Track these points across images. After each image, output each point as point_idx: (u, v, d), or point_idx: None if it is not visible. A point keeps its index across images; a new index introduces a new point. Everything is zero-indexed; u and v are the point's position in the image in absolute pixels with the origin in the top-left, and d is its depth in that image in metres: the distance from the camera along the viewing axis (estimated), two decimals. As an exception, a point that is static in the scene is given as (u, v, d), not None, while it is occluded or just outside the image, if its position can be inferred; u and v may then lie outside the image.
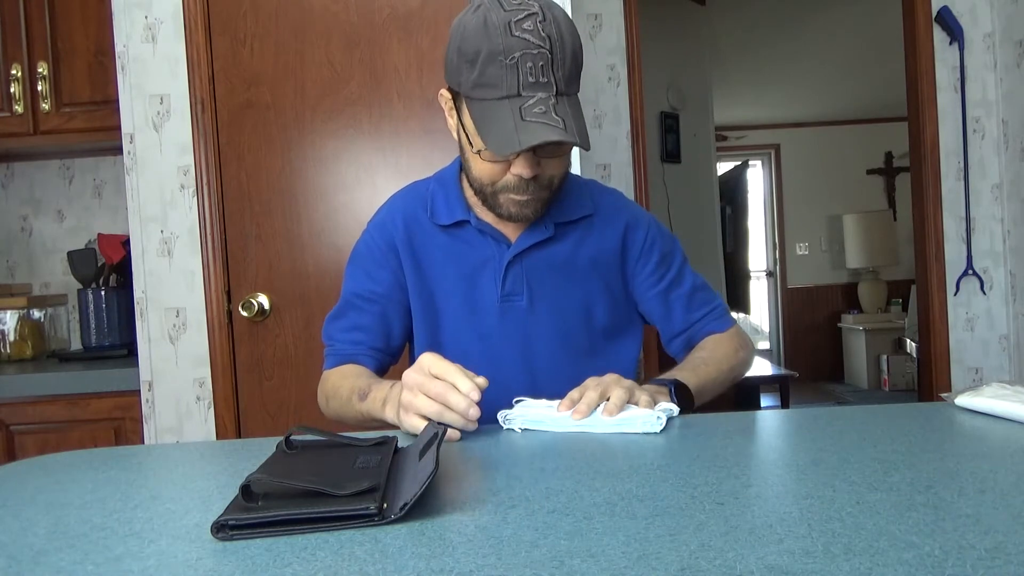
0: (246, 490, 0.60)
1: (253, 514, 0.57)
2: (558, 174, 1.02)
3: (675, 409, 0.92)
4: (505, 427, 0.90)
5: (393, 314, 1.13)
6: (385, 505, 0.58)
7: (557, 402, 0.92)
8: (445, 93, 1.04)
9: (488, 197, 1.03)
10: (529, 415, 0.90)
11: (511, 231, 1.10)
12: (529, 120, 0.90)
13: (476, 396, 0.82)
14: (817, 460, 0.69)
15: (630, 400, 0.89)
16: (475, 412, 0.82)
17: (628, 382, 0.92)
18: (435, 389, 0.83)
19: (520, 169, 0.97)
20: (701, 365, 1.09)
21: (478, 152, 0.99)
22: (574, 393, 0.91)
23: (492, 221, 1.10)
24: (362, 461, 0.69)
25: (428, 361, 0.85)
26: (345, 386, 1.04)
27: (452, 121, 1.05)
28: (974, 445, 0.74)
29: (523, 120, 0.90)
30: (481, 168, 1.01)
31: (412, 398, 0.85)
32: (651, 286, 1.16)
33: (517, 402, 0.94)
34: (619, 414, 0.87)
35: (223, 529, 0.56)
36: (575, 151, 1.87)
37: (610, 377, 0.93)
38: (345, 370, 1.10)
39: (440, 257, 1.11)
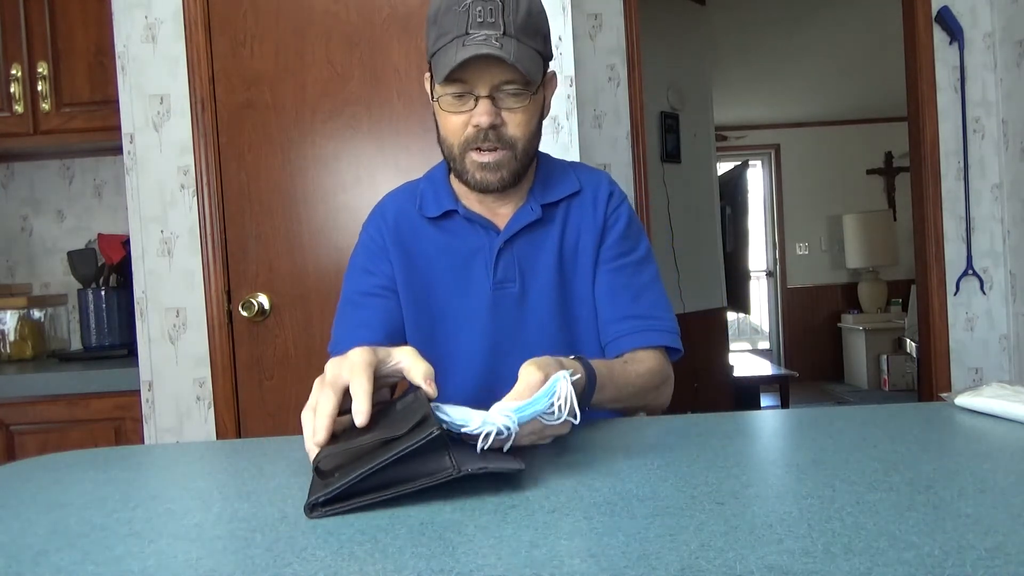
0: (318, 469, 0.63)
1: (335, 484, 0.59)
2: (520, 134, 1.02)
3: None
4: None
5: (395, 307, 1.10)
6: (437, 431, 0.61)
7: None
8: (427, 74, 1.08)
9: (457, 162, 1.05)
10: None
11: (499, 219, 1.10)
12: (469, 45, 0.95)
13: (320, 437, 0.67)
14: (817, 460, 0.69)
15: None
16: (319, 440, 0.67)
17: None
18: (312, 402, 0.71)
19: (477, 117, 0.99)
20: (624, 381, 0.99)
21: (437, 100, 1.02)
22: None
23: (480, 210, 1.10)
24: (400, 404, 0.72)
25: (347, 359, 0.72)
26: None
27: (430, 95, 1.08)
28: (974, 445, 0.74)
29: (464, 46, 0.95)
30: (445, 123, 1.03)
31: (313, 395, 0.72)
32: (608, 260, 1.11)
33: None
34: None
35: (316, 508, 0.59)
36: (576, 148, 1.86)
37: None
38: None
39: (431, 250, 1.11)
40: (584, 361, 0.90)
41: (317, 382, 0.72)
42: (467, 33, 0.95)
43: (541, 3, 1.04)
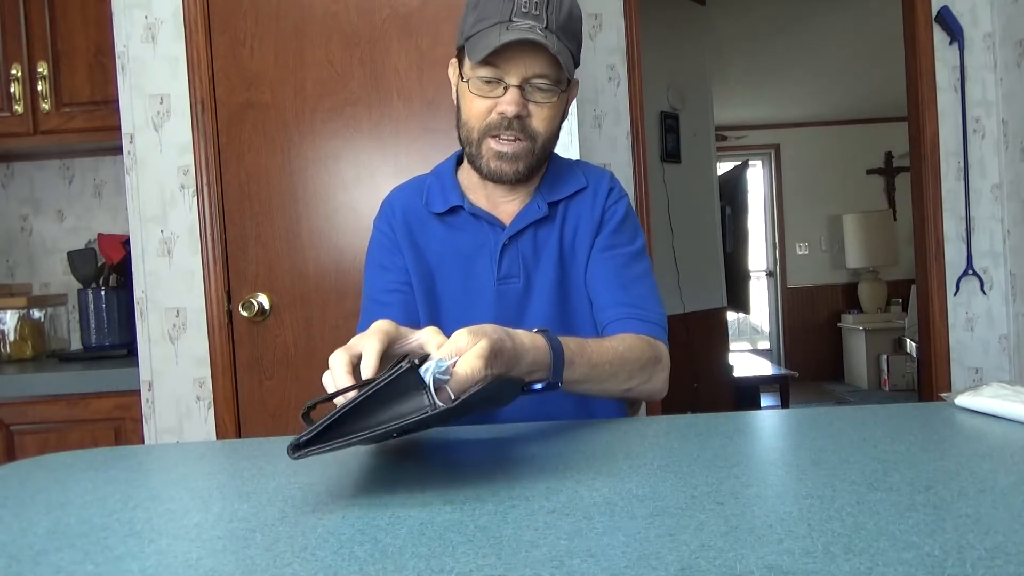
0: (306, 415, 0.65)
1: (315, 424, 0.61)
2: (543, 129, 1.03)
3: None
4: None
5: (413, 300, 1.12)
6: (419, 364, 0.64)
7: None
8: (453, 60, 1.09)
9: (474, 146, 1.05)
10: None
11: (504, 215, 1.11)
12: (512, 30, 0.96)
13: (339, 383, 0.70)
14: (817, 460, 0.69)
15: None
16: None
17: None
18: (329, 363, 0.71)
19: (504, 105, 1.00)
20: (599, 358, 0.94)
21: (467, 82, 1.03)
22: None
23: (486, 206, 1.11)
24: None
25: (366, 333, 0.73)
26: None
27: (454, 80, 1.09)
28: (974, 445, 0.74)
29: (507, 31, 0.96)
30: (469, 107, 1.04)
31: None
32: (601, 249, 1.11)
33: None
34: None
35: (298, 449, 0.60)
36: (576, 148, 1.86)
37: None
38: None
39: (437, 245, 1.12)
40: (550, 336, 0.86)
41: None
42: (510, 20, 0.97)
43: (580, 10, 1.05)
